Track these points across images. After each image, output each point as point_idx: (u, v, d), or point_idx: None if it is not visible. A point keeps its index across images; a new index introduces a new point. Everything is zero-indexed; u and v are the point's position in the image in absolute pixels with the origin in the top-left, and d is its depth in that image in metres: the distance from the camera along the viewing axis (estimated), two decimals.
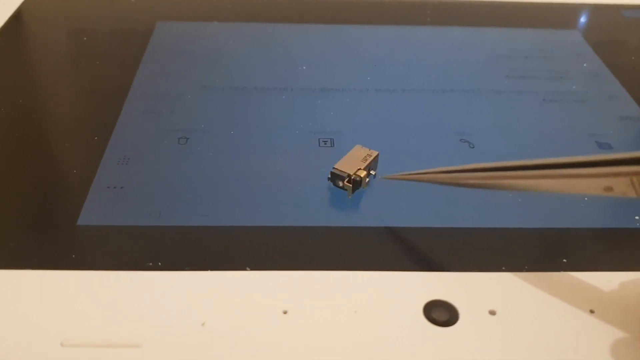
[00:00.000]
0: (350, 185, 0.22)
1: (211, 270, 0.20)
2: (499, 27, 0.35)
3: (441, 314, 0.19)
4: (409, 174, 0.21)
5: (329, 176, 0.23)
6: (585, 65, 0.31)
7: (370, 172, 0.23)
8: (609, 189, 0.16)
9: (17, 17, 0.34)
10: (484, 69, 0.31)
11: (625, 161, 0.16)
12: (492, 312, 0.19)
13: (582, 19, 0.36)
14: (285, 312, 0.18)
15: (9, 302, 0.18)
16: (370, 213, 0.22)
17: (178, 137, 0.25)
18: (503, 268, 0.20)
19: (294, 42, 0.32)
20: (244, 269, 0.20)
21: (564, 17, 0.36)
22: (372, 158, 0.23)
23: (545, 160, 0.17)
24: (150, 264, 0.20)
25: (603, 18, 0.37)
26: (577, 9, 0.37)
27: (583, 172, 0.17)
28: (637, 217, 0.22)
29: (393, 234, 0.21)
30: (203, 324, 0.18)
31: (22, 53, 0.31)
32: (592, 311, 0.19)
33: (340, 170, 0.22)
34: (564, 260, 0.21)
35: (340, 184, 0.22)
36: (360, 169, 0.22)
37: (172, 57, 0.31)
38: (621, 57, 0.32)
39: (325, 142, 0.26)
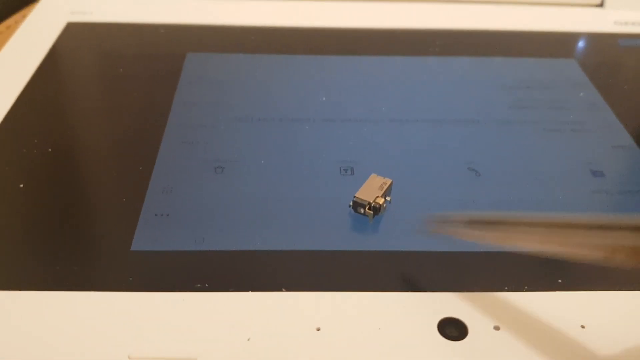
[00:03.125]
0: (372, 212, 0.25)
1: (252, 291, 0.23)
2: (501, 56, 0.38)
3: (453, 329, 0.22)
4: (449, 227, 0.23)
5: (351, 204, 0.25)
6: (581, 94, 0.34)
7: (386, 198, 0.26)
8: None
9: (53, 52, 0.36)
10: (489, 99, 0.34)
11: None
12: (497, 328, 0.22)
13: (579, 48, 0.39)
14: (318, 329, 0.21)
15: (77, 320, 0.21)
16: (388, 238, 0.25)
17: (214, 166, 0.28)
18: (506, 288, 0.23)
19: (314, 73, 0.35)
20: (280, 290, 0.23)
21: (563, 46, 0.39)
22: (387, 186, 0.26)
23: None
24: (199, 285, 0.23)
25: (599, 47, 0.39)
26: (574, 37, 0.40)
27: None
28: None
29: (409, 257, 0.24)
30: (248, 339, 0.21)
31: (64, 84, 0.34)
32: (582, 327, 0.22)
33: (361, 199, 0.25)
34: (559, 281, 0.24)
35: (362, 211, 0.25)
36: (378, 196, 0.25)
37: (203, 88, 0.34)
38: (615, 86, 0.35)
39: (345, 170, 0.28)
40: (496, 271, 0.24)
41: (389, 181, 0.26)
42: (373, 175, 0.26)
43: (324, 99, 0.33)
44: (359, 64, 0.37)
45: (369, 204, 0.25)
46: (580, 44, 0.39)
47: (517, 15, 0.42)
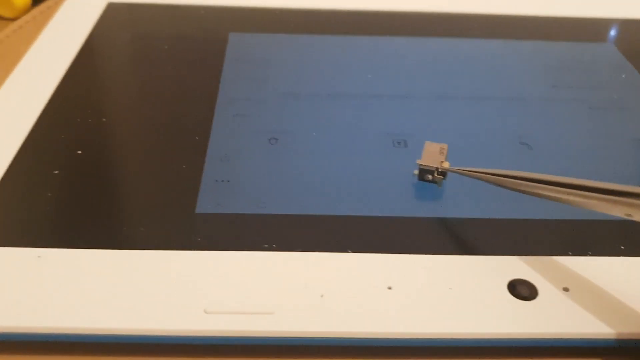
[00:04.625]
0: (441, 177, 0.25)
1: (318, 252, 0.23)
2: (540, 39, 0.38)
3: (523, 290, 0.22)
4: (465, 170, 0.24)
5: (416, 172, 0.26)
6: (623, 76, 0.35)
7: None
8: (629, 215, 0.20)
9: (96, 31, 0.37)
10: (532, 79, 0.34)
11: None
12: (566, 289, 0.22)
13: (618, 33, 0.39)
14: (389, 288, 0.22)
15: (150, 277, 0.21)
16: (449, 205, 0.25)
17: (268, 137, 0.29)
18: (569, 253, 0.23)
19: (356, 53, 0.36)
20: (346, 251, 0.23)
21: (601, 31, 0.39)
22: (446, 150, 0.26)
23: (580, 181, 0.21)
24: (266, 245, 0.23)
25: (634, 31, 0.40)
26: (612, 22, 0.40)
27: (608, 199, 0.20)
28: None
29: (472, 223, 0.24)
30: (322, 296, 0.21)
31: (111, 61, 0.34)
32: None
33: (427, 165, 0.25)
34: (622, 247, 0.24)
35: (430, 177, 0.25)
36: (442, 161, 0.25)
37: (250, 65, 0.34)
38: None
39: (398, 143, 0.29)
40: (559, 237, 0.24)
41: (445, 146, 0.26)
42: (428, 142, 0.26)
43: (370, 76, 0.34)
44: (402, 45, 0.37)
45: (437, 169, 0.25)
46: (618, 29, 0.40)
47: (555, 1, 0.42)
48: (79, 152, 0.27)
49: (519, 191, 0.22)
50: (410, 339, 0.20)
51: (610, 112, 0.31)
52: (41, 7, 0.41)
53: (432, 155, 0.26)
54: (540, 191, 0.22)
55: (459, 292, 0.21)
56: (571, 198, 0.21)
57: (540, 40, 0.38)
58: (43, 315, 0.20)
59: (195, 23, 0.38)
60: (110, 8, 0.39)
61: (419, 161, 0.26)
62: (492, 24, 0.39)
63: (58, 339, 0.20)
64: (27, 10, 0.41)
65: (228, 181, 0.26)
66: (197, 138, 0.28)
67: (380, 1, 0.41)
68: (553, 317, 0.21)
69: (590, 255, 0.23)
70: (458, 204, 0.25)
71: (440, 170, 0.25)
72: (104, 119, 0.29)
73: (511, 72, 0.35)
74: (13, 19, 0.40)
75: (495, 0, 0.42)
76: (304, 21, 0.39)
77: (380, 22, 0.39)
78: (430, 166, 0.25)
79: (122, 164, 0.27)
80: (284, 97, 0.31)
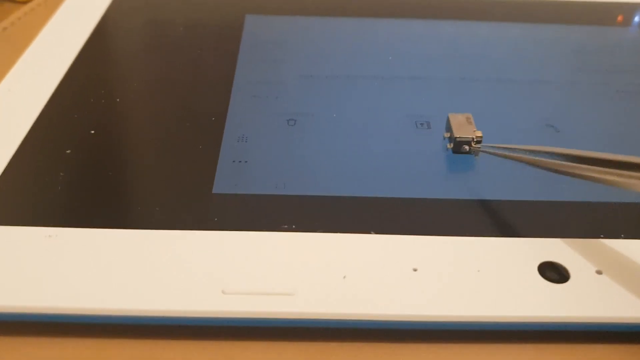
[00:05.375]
0: (479, 147, 0.24)
1: (339, 232, 0.22)
2: (564, 23, 0.37)
3: (554, 273, 0.21)
4: (499, 147, 0.23)
5: (450, 146, 0.25)
6: None
7: None
8: None
9: (109, 14, 0.36)
10: (557, 62, 0.33)
11: None
12: (599, 272, 0.21)
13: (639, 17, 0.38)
14: (415, 270, 0.21)
15: (168, 257, 0.21)
16: (476, 187, 0.24)
17: (286, 119, 0.28)
18: (602, 235, 0.22)
19: (376, 35, 0.35)
20: (369, 232, 0.22)
21: (626, 15, 0.38)
22: (472, 120, 0.25)
23: (621, 157, 0.20)
24: (285, 226, 0.22)
25: None
26: (634, 7, 0.39)
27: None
28: None
29: (501, 205, 0.23)
30: (344, 277, 0.20)
31: (124, 43, 0.33)
32: None
33: (463, 137, 0.24)
34: None
35: (467, 148, 0.24)
36: (474, 129, 0.24)
37: (267, 47, 0.33)
38: None
39: (421, 124, 0.28)
40: (591, 219, 0.23)
41: (470, 115, 0.25)
42: (451, 114, 0.26)
43: (390, 58, 0.33)
44: (424, 28, 0.36)
45: (472, 139, 0.24)
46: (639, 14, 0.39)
47: None
48: (92, 132, 0.26)
49: (556, 172, 0.21)
50: (436, 322, 0.19)
51: (637, 95, 0.30)
52: None
53: (462, 126, 0.25)
54: (578, 171, 0.21)
55: (487, 275, 0.20)
56: (609, 178, 0.20)
57: (563, 24, 0.37)
58: (55, 295, 0.19)
59: (211, 5, 0.38)
60: None
61: (454, 134, 0.25)
62: (515, 7, 0.38)
63: (71, 320, 0.19)
64: None
65: (246, 162, 0.25)
66: (213, 119, 0.27)
67: None
68: (585, 300, 0.20)
69: (624, 238, 0.22)
70: (486, 185, 0.24)
71: (475, 139, 0.24)
72: (117, 99, 0.28)
73: (535, 55, 0.34)
74: (24, 2, 0.40)
75: None
76: (321, 3, 0.38)
77: (401, 5, 0.38)
78: (465, 137, 0.24)
79: (136, 144, 0.26)
80: (302, 79, 0.31)
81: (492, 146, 0.23)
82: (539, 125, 0.28)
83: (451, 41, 0.35)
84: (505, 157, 0.23)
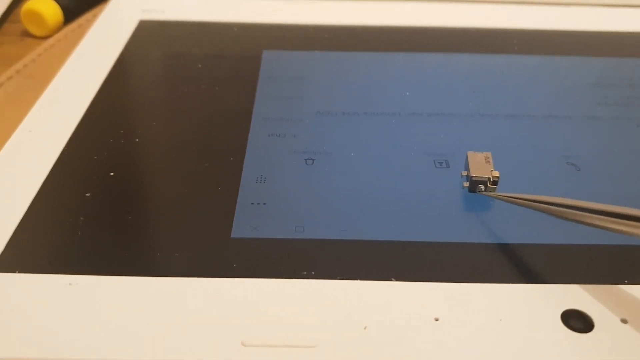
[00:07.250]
0: (495, 187, 0.24)
1: (360, 280, 0.22)
2: (581, 55, 0.37)
3: (577, 322, 0.20)
4: (504, 195, 0.23)
5: (466, 185, 0.25)
6: None
7: None
8: None
9: (128, 49, 0.36)
10: (577, 96, 0.33)
11: None
12: (624, 321, 0.20)
13: None
14: (437, 320, 0.20)
15: (185, 306, 0.21)
16: (496, 230, 0.24)
17: (304, 158, 0.28)
18: (626, 281, 0.22)
19: (392, 70, 0.35)
20: (390, 280, 0.22)
21: None
22: (491, 159, 0.25)
23: (634, 211, 0.19)
24: (305, 272, 0.22)
25: None
26: None
27: None
28: None
29: (522, 249, 0.23)
30: (365, 328, 0.20)
31: (143, 80, 0.34)
32: None
33: (479, 176, 0.24)
34: None
35: (482, 188, 0.24)
36: (492, 170, 0.24)
37: (284, 83, 0.33)
38: None
39: (440, 163, 0.28)
40: (615, 264, 0.23)
41: (489, 154, 0.25)
42: (470, 153, 0.26)
43: (407, 93, 0.33)
44: (440, 62, 0.36)
45: (488, 179, 0.24)
46: None
47: (595, 16, 0.41)
48: (112, 173, 0.26)
49: (568, 219, 0.21)
50: None
51: None
52: (73, 25, 0.40)
53: (480, 165, 0.25)
54: (591, 220, 0.20)
55: (510, 324, 0.20)
56: (624, 228, 0.20)
57: (581, 55, 0.37)
58: (75, 345, 0.19)
59: (229, 40, 0.38)
60: (142, 26, 0.39)
61: (470, 173, 0.24)
62: (531, 40, 0.38)
63: None
64: (59, 29, 0.41)
65: (265, 204, 0.25)
66: (231, 159, 0.27)
67: (417, 17, 0.40)
68: (610, 351, 0.19)
69: None
70: (507, 228, 0.24)
71: (492, 179, 0.24)
72: (136, 140, 0.29)
73: (553, 89, 0.33)
74: (45, 38, 0.40)
75: (532, 17, 0.40)
76: (338, 38, 0.38)
77: (416, 38, 0.38)
78: (482, 177, 0.24)
79: (155, 186, 0.26)
80: (319, 115, 0.31)
81: (507, 196, 0.23)
82: (560, 164, 0.28)
83: (468, 75, 0.34)
84: (520, 204, 0.23)
